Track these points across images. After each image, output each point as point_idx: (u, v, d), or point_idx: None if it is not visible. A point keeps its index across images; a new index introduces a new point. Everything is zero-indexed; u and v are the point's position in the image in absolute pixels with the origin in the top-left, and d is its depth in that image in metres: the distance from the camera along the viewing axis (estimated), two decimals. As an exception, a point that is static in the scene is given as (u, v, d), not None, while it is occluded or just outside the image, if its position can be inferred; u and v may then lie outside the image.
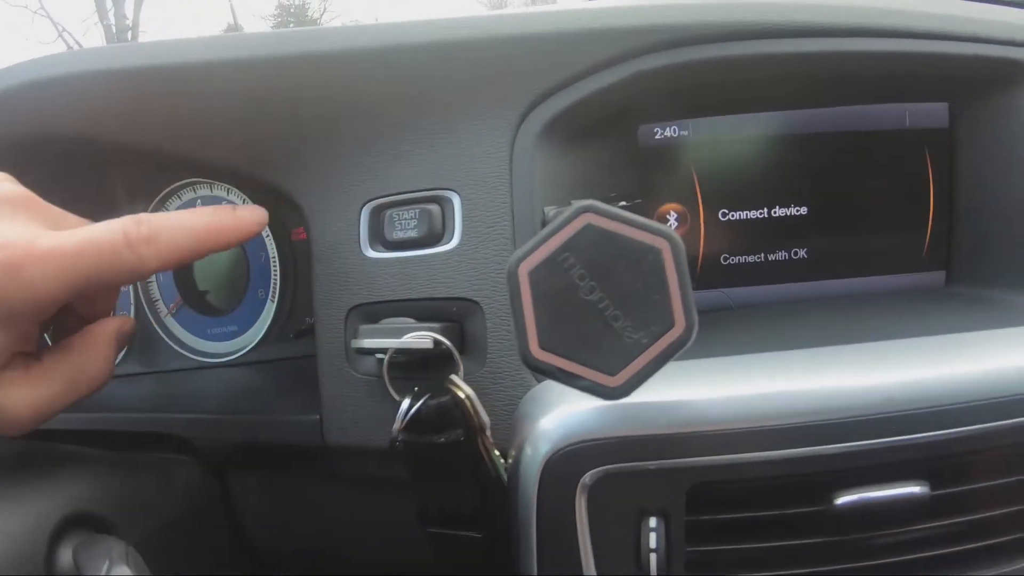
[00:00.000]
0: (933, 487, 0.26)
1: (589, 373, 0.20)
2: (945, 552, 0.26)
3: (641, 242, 0.20)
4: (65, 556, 0.24)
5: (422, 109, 0.30)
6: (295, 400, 0.35)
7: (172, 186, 0.43)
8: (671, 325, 0.20)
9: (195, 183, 0.43)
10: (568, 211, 0.20)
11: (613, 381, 0.20)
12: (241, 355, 0.42)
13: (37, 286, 0.22)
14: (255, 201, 0.41)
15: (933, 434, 0.26)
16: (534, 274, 0.19)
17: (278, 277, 0.41)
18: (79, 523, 0.26)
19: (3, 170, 0.27)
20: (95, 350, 0.26)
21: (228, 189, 0.42)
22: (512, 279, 0.20)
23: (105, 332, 0.27)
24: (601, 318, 0.20)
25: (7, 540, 0.23)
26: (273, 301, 0.41)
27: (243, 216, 0.27)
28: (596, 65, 0.29)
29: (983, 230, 0.32)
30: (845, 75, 0.31)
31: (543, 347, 0.19)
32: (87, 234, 0.24)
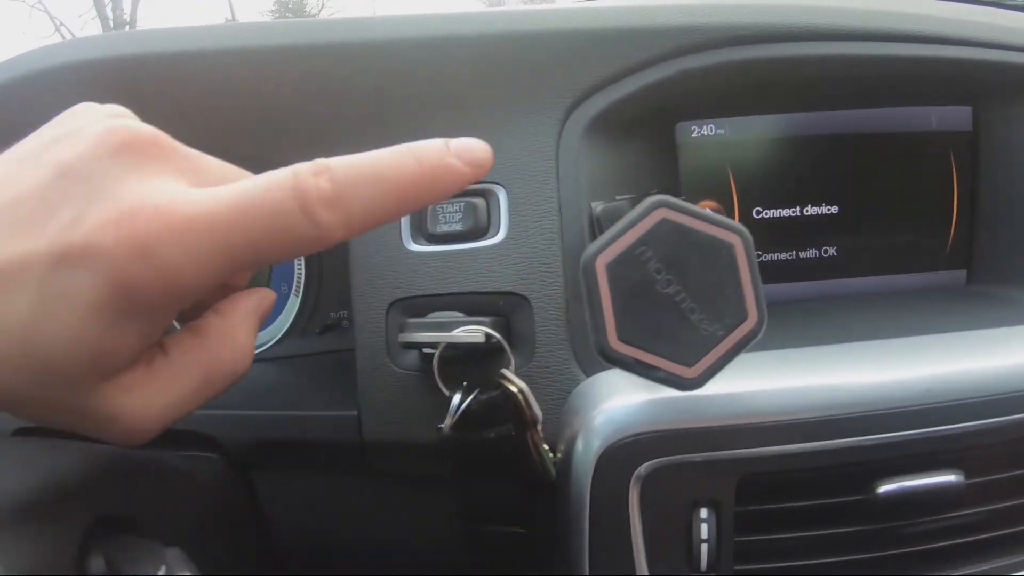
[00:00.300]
0: (968, 476, 0.26)
1: (666, 364, 0.20)
2: (978, 539, 0.27)
3: (714, 236, 0.20)
4: (97, 560, 0.23)
5: (468, 101, 0.29)
6: (326, 396, 0.34)
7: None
8: (744, 317, 0.20)
9: (215, 175, 0.42)
10: (641, 206, 0.20)
11: (690, 372, 0.20)
12: (263, 350, 0.41)
13: (177, 269, 0.16)
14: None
15: (968, 424, 0.26)
16: (612, 267, 0.19)
17: (302, 272, 0.40)
18: (109, 525, 0.25)
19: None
20: (234, 334, 0.20)
21: (250, 182, 0.41)
22: (589, 272, 0.19)
23: (245, 311, 0.21)
24: (678, 311, 0.20)
25: (37, 544, 0.22)
26: (297, 296, 0.41)
27: (462, 154, 0.19)
28: (642, 62, 0.29)
29: (1003, 230, 0.33)
30: (877, 77, 0.32)
31: (621, 339, 0.19)
32: (244, 194, 0.17)
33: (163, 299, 0.17)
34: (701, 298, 0.20)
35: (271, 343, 0.41)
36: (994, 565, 0.27)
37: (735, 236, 0.20)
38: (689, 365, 0.20)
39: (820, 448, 0.26)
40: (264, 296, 0.22)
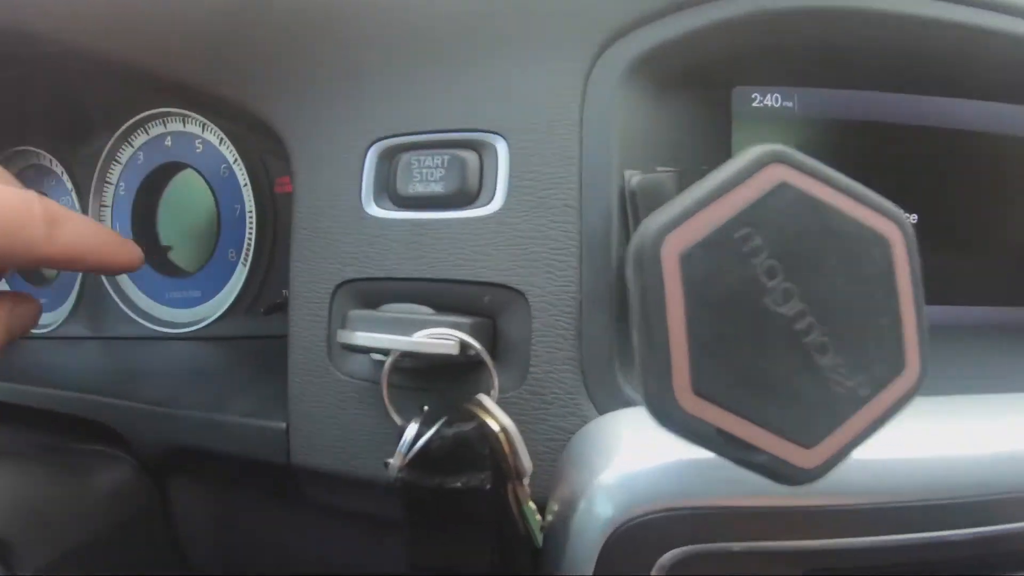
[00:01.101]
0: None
1: (769, 441, 0.10)
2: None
3: (862, 224, 0.10)
4: None
5: (466, 26, 0.19)
6: (254, 396, 0.24)
7: (140, 116, 0.31)
8: (901, 368, 0.10)
9: (166, 114, 0.31)
10: (745, 158, 0.10)
11: (807, 458, 0.10)
12: (201, 327, 0.31)
13: None
14: (232, 138, 0.30)
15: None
16: (690, 260, 0.10)
17: (253, 236, 0.30)
18: None
19: None
20: None
21: (203, 125, 0.31)
22: (649, 264, 0.10)
23: None
24: (799, 347, 0.10)
25: None
26: (245, 265, 0.30)
27: (127, 247, 0.22)
28: (707, -11, 0.19)
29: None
30: (982, 61, 0.23)
31: (698, 391, 0.09)
32: None
33: None
34: (836, 328, 0.10)
35: (210, 320, 0.31)
36: None
37: (893, 227, 0.11)
38: (808, 445, 0.10)
39: (911, 542, 0.17)
40: (17, 304, 0.19)
